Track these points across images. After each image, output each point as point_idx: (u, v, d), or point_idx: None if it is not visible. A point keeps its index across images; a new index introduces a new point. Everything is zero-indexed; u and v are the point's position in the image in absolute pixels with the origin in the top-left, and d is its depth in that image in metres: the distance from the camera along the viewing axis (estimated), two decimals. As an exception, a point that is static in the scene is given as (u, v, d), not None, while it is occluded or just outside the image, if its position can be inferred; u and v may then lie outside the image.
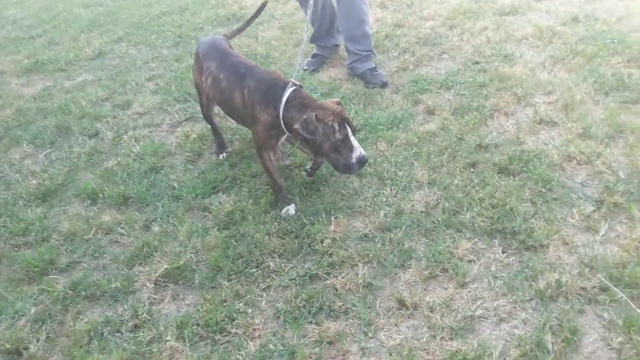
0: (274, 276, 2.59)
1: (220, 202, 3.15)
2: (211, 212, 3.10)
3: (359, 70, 4.25)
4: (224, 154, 3.57)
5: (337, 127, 2.63)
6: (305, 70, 4.49)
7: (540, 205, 2.76)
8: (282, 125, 2.80)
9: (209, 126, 3.65)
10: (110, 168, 3.62)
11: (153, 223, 3.08)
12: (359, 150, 2.68)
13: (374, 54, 4.34)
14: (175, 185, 3.35)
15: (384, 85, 4.11)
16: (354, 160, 2.68)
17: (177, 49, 5.41)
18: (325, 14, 4.42)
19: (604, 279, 2.29)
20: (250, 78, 2.91)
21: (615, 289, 2.24)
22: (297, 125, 2.67)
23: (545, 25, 4.57)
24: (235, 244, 2.80)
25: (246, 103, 2.91)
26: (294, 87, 2.79)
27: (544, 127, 3.38)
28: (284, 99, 2.75)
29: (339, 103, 2.79)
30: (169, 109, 4.29)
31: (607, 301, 2.22)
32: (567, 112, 3.42)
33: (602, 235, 2.54)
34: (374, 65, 4.28)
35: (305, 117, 2.65)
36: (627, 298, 2.20)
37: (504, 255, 2.53)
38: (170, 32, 5.84)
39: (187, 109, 4.23)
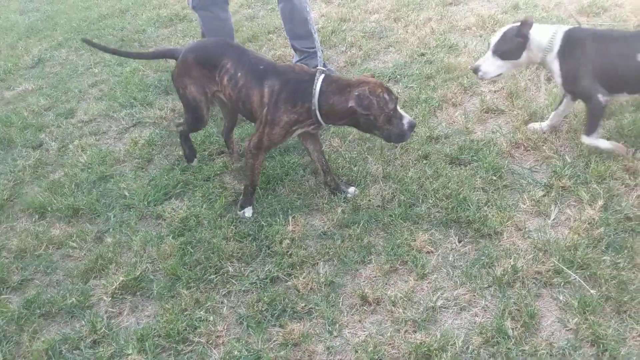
0: (234, 281, 2.56)
1: (173, 209, 3.09)
2: (165, 220, 3.03)
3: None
4: (196, 161, 3.45)
5: (387, 98, 2.62)
6: None
7: (492, 192, 2.82)
8: (319, 116, 2.70)
9: (179, 136, 3.39)
10: (57, 180, 3.50)
11: (105, 234, 3.00)
12: (407, 117, 2.69)
13: (321, 50, 4.33)
14: (126, 193, 3.27)
15: (333, 80, 4.11)
16: (406, 127, 2.68)
17: (119, 53, 5.28)
18: (224, 28, 4.13)
19: (557, 262, 2.36)
20: (273, 77, 2.76)
21: (569, 271, 2.31)
22: (352, 103, 2.59)
23: (487, 14, 4.66)
24: (192, 250, 2.75)
25: (264, 103, 2.76)
26: (323, 75, 2.72)
27: (491, 115, 3.46)
28: (317, 90, 2.67)
29: (372, 76, 2.80)
30: (114, 115, 4.17)
31: (562, 284, 2.28)
32: (512, 99, 3.50)
33: (553, 219, 2.62)
34: (323, 62, 4.27)
35: (357, 93, 2.59)
36: (580, 279, 2.28)
37: (461, 244, 2.58)
38: (111, 35, 5.68)
39: (133, 114, 4.12)
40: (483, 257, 2.46)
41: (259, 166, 2.91)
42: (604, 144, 2.88)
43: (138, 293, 2.61)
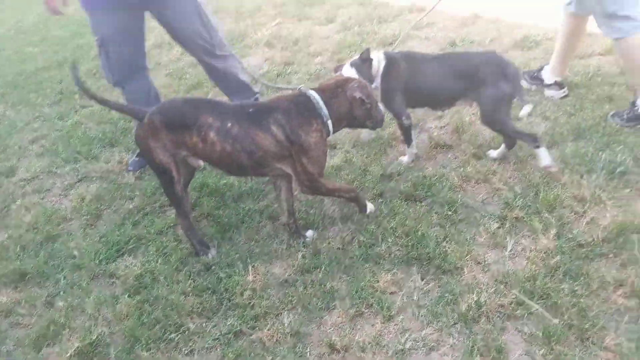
0: (196, 338, 2.47)
1: (127, 266, 2.99)
2: (119, 278, 2.92)
3: None
4: (213, 251, 2.99)
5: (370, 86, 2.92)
6: (130, 171, 3.93)
7: (449, 227, 2.85)
8: (330, 126, 2.76)
9: (179, 216, 2.95)
10: (0, 243, 3.34)
11: (56, 298, 2.86)
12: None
13: (259, 94, 4.28)
14: (76, 253, 3.14)
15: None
16: (383, 110, 2.99)
17: (59, 106, 5.14)
18: (149, 96, 3.84)
19: (518, 294, 2.38)
20: (271, 113, 2.67)
21: (530, 302, 2.34)
22: (358, 94, 2.74)
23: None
24: (150, 309, 2.65)
25: (281, 141, 2.65)
26: (309, 90, 2.77)
27: (440, 151, 3.53)
28: (321, 102, 2.72)
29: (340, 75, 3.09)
30: (58, 171, 4.04)
31: (525, 315, 2.31)
32: (459, 134, 3.60)
33: (510, 251, 2.66)
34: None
35: (357, 85, 2.77)
36: (542, 310, 2.31)
37: (424, 282, 2.58)
38: (50, 88, 5.55)
39: (78, 169, 4.01)
40: (447, 294, 2.47)
41: (335, 184, 2.94)
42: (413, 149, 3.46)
43: (95, 358, 2.49)
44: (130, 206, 3.48)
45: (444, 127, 3.74)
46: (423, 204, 3.05)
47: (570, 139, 3.32)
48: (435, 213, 2.96)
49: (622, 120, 3.40)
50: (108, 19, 3.48)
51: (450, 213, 2.94)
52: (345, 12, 6.04)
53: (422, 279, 2.59)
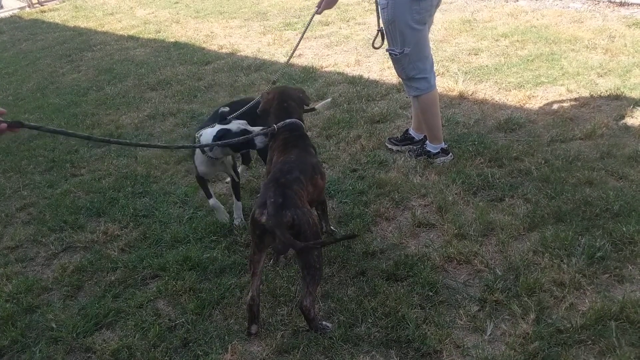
0: (169, 419, 2.42)
1: (104, 340, 2.95)
2: (95, 352, 2.88)
3: None
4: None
5: None
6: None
7: (429, 309, 2.85)
8: None
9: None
10: (-23, 314, 3.29)
11: (29, 373, 2.81)
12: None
13: None
14: (54, 325, 3.10)
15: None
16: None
17: (50, 174, 5.16)
18: None
19: (497, 381, 2.37)
20: (303, 155, 3.10)
21: (509, 390, 2.32)
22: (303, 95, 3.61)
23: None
24: (124, 386, 2.61)
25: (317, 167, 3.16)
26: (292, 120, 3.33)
27: (422, 229, 3.56)
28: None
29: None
30: (43, 240, 4.03)
31: (503, 403, 2.28)
32: (442, 213, 3.64)
33: (489, 335, 2.65)
34: None
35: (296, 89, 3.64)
36: (520, 398, 2.29)
37: (402, 365, 2.56)
38: (42, 156, 5.59)
39: (63, 238, 4.00)
40: (424, 379, 2.44)
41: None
42: None
43: None
44: (112, 278, 3.46)
45: (428, 205, 3.79)
46: (404, 283, 3.05)
47: (551, 222, 3.37)
48: (417, 294, 2.96)
49: (413, 154, 4.41)
50: None
51: (431, 294, 2.94)
52: (336, 89, 6.20)
53: (401, 363, 2.57)
